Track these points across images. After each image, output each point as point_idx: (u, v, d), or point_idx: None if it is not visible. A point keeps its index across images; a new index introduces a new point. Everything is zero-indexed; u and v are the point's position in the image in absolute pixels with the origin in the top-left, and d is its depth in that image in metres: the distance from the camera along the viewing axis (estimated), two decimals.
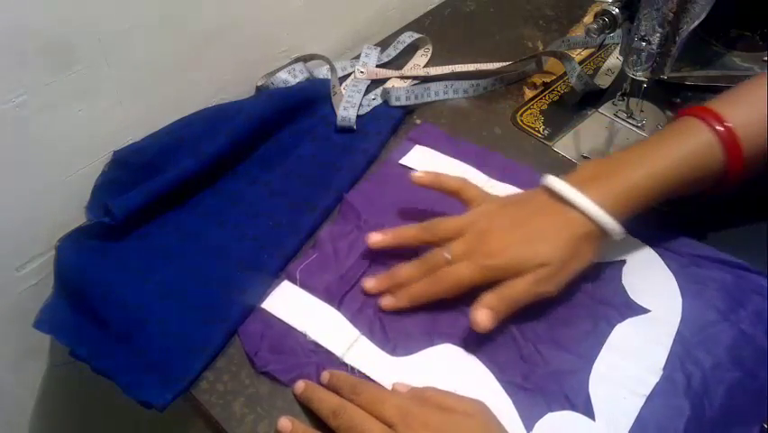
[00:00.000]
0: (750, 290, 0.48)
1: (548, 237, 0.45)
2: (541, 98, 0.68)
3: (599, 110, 0.66)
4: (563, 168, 0.60)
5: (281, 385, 0.45)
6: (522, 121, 0.66)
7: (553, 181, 0.48)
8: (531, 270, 0.45)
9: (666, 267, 0.50)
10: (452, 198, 0.53)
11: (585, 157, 0.61)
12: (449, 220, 0.49)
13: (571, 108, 0.66)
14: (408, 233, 0.50)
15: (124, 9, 0.50)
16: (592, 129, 0.65)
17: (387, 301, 0.48)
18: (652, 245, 0.52)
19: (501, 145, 0.63)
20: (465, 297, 0.49)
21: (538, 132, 0.64)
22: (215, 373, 0.46)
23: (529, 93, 0.68)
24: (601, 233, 0.46)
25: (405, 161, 0.60)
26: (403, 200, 0.56)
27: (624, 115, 0.64)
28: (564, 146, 0.63)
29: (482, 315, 0.44)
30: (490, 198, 0.51)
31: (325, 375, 0.45)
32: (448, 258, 0.47)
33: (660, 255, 0.51)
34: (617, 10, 0.60)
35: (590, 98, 0.66)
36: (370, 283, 0.50)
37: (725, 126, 0.46)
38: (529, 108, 0.67)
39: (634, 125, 0.63)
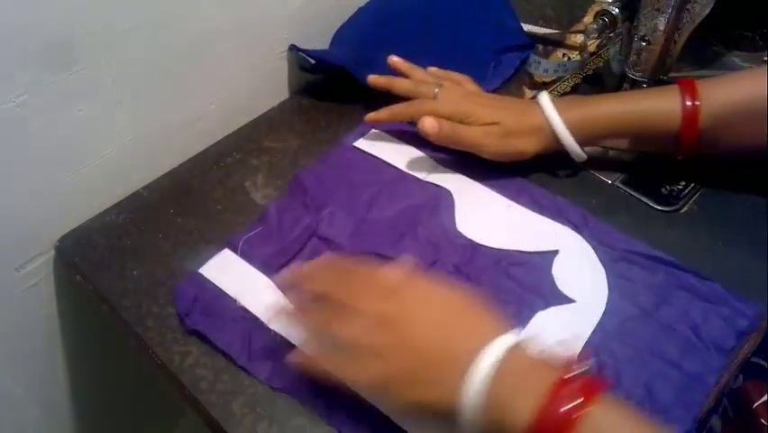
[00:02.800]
0: (677, 286, 0.49)
1: (510, 110, 0.56)
2: None
3: None
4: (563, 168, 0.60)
5: None
6: None
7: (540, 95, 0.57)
8: (487, 123, 0.55)
9: (598, 260, 0.51)
10: (400, 181, 0.58)
11: None
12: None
13: None
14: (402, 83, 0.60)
15: (125, 9, 0.50)
16: None
17: (369, 115, 0.59)
18: (587, 238, 0.52)
19: None
20: None
21: None
22: (215, 372, 0.46)
23: (529, 93, 0.68)
24: (551, 133, 0.55)
25: (359, 144, 0.62)
26: (351, 183, 0.58)
27: None
28: None
29: (431, 121, 0.54)
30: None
31: (279, 279, 0.48)
32: (435, 93, 0.57)
33: (594, 249, 0.51)
34: (617, 10, 0.60)
35: None
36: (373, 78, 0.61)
37: (693, 103, 0.51)
38: None
39: None
